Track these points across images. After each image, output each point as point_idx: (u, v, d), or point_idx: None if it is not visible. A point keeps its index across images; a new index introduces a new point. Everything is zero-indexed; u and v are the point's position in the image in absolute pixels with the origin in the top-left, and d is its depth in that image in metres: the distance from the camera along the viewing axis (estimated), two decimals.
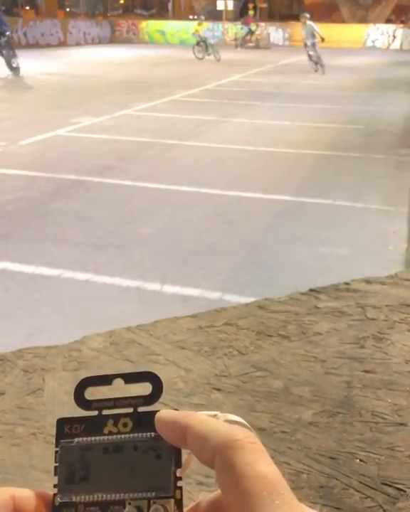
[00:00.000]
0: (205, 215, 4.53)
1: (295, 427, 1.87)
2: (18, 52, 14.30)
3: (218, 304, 2.89)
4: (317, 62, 15.58)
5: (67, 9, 34.72)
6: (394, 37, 27.73)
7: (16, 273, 3.44)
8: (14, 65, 12.88)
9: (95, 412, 0.36)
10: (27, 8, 31.44)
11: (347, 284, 2.93)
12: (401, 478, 1.67)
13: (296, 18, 26.43)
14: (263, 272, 3.53)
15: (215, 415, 0.34)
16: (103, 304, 3.10)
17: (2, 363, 2.26)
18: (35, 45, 24.65)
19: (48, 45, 25.44)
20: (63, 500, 0.33)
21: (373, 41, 28.47)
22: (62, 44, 26.50)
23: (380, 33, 28.25)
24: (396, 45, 27.60)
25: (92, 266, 3.53)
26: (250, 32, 26.19)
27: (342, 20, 30.61)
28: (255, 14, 28.72)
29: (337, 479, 1.67)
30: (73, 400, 0.36)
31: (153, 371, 0.36)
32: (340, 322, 2.54)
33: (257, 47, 26.06)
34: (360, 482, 1.66)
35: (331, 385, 2.10)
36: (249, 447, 0.29)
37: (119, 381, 0.36)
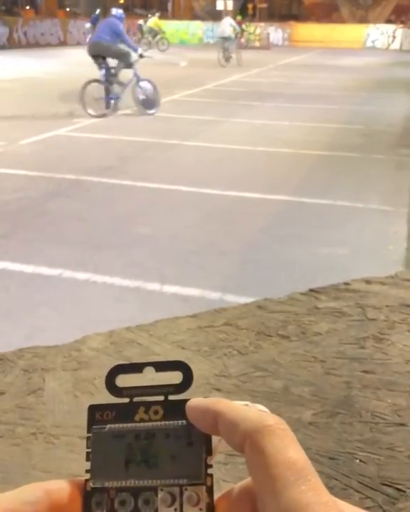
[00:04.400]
0: (205, 215, 4.53)
1: (294, 427, 1.87)
2: (18, 52, 14.23)
3: (218, 304, 2.89)
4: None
5: (67, 9, 34.73)
6: (394, 37, 27.76)
7: (16, 273, 3.44)
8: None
9: (126, 400, 0.36)
10: (27, 7, 31.45)
11: (346, 284, 2.93)
12: (401, 479, 1.67)
13: (296, 18, 26.53)
14: (263, 272, 3.53)
15: (246, 405, 0.34)
16: (103, 303, 3.10)
17: (2, 362, 2.26)
18: (35, 45, 24.66)
19: (48, 45, 25.46)
20: (95, 486, 0.33)
21: (373, 41, 28.49)
22: (62, 44, 26.51)
23: (380, 33, 28.28)
24: (395, 45, 27.62)
25: (92, 266, 3.53)
26: (241, 31, 26.36)
27: (342, 21, 30.64)
28: (245, 16, 28.85)
29: (336, 479, 1.67)
30: (105, 387, 0.36)
31: (184, 361, 0.36)
32: (340, 322, 2.54)
33: (246, 47, 26.17)
34: (360, 482, 1.66)
35: (331, 386, 2.10)
36: (279, 433, 0.30)
37: (150, 370, 0.37)
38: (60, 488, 0.33)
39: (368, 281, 2.96)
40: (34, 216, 4.44)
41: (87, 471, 0.34)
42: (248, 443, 0.30)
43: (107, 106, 8.80)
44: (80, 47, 26.21)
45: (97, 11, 10.29)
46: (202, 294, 3.20)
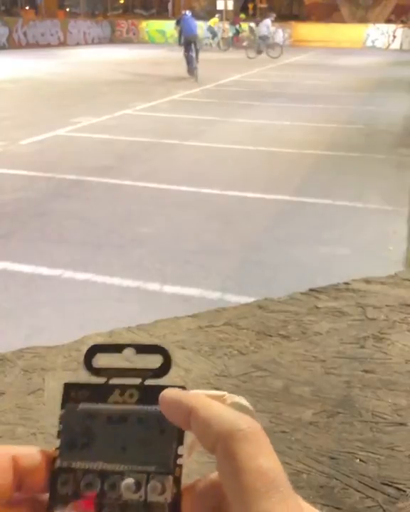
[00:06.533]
0: (205, 215, 4.53)
1: (294, 427, 1.87)
2: (18, 53, 14.27)
3: (218, 304, 2.89)
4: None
5: (67, 9, 34.72)
6: (394, 37, 27.72)
7: (16, 273, 3.44)
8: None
9: (103, 380, 0.36)
10: (27, 8, 31.44)
11: (346, 284, 2.93)
12: (401, 478, 1.67)
13: (296, 18, 26.58)
14: (263, 271, 3.53)
15: (222, 396, 0.33)
16: (103, 303, 3.10)
17: (2, 363, 2.26)
18: (35, 45, 24.66)
19: (48, 45, 25.45)
20: (63, 466, 0.33)
21: (373, 41, 28.46)
22: (62, 44, 26.51)
23: (380, 33, 28.24)
24: (396, 45, 27.58)
25: (92, 266, 3.53)
26: (237, 32, 26.56)
27: (342, 20, 30.61)
28: (247, 15, 28.95)
29: (337, 479, 1.67)
30: (83, 366, 0.36)
31: (163, 346, 0.36)
32: (340, 322, 2.54)
33: (247, 47, 26.36)
34: (360, 482, 1.66)
35: (331, 385, 2.10)
36: (252, 439, 0.29)
37: (130, 351, 0.36)
38: (27, 454, 0.33)
39: (368, 281, 2.96)
40: (34, 216, 4.44)
41: (56, 449, 0.34)
42: (220, 446, 0.29)
43: (192, 73, 13.84)
44: (80, 47, 26.22)
45: (184, 13, 14.80)
46: (202, 293, 3.20)
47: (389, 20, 30.23)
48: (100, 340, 2.43)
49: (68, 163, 6.03)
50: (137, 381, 0.35)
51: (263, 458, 0.29)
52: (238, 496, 0.28)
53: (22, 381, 2.14)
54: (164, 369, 0.35)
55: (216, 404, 0.31)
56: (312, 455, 1.76)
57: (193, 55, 13.79)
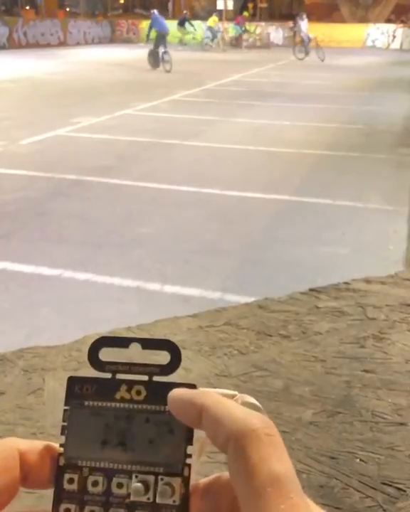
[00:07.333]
0: (205, 215, 4.53)
1: (294, 427, 1.87)
2: (19, 52, 14.26)
3: (218, 304, 2.89)
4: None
5: (67, 9, 34.73)
6: (394, 36, 27.71)
7: (16, 273, 3.44)
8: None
9: (108, 375, 0.34)
10: (27, 7, 31.45)
11: (347, 283, 2.93)
12: (401, 478, 1.67)
13: (296, 17, 26.50)
14: (263, 271, 3.53)
15: (234, 395, 0.33)
16: (103, 303, 3.10)
17: (2, 362, 2.26)
18: (35, 45, 24.66)
19: (48, 45, 25.45)
20: (69, 462, 0.32)
21: (373, 41, 28.46)
22: (62, 44, 26.49)
23: (380, 33, 28.24)
24: (396, 44, 27.58)
25: (92, 266, 3.53)
26: (243, 32, 26.62)
27: (342, 20, 30.60)
28: (248, 15, 28.99)
29: (337, 479, 1.67)
30: (87, 359, 0.34)
31: (172, 341, 0.34)
32: (340, 322, 2.54)
33: (252, 47, 26.46)
34: (360, 482, 1.65)
35: (331, 385, 2.10)
36: (265, 440, 0.28)
37: (136, 346, 0.35)
38: (32, 448, 0.32)
39: (368, 281, 2.96)
40: (34, 216, 4.45)
41: (61, 445, 0.33)
42: (232, 446, 0.28)
43: (157, 65, 15.54)
44: (80, 47, 26.20)
45: (153, 11, 16.19)
46: (202, 293, 3.20)
47: (389, 20, 30.22)
48: None
49: (68, 163, 6.03)
50: (144, 377, 0.34)
51: (275, 461, 0.28)
52: (248, 500, 0.27)
53: (22, 381, 2.14)
54: (172, 366, 0.34)
55: (228, 402, 0.30)
56: (312, 455, 1.76)
57: (163, 49, 15.37)
